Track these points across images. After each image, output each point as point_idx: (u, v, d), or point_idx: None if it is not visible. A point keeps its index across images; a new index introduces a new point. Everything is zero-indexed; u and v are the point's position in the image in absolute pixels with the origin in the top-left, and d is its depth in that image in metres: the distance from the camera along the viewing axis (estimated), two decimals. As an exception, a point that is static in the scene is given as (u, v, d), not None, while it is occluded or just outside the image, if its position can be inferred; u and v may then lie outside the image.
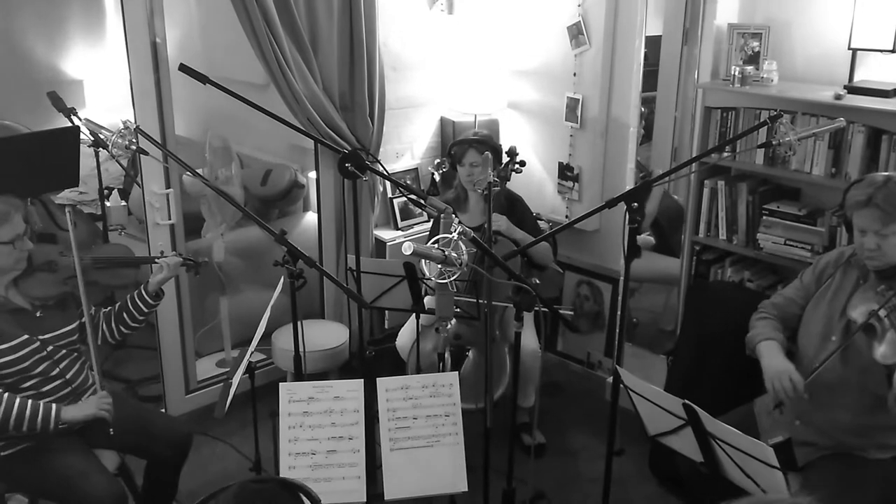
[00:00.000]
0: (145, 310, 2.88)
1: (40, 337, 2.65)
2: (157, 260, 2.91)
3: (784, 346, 2.66)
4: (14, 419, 2.51)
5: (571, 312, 3.56)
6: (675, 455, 2.47)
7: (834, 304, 2.60)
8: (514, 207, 3.62)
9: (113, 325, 2.87)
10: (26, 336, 2.61)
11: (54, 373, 2.68)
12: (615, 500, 2.86)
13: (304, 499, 1.48)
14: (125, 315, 2.86)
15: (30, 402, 2.55)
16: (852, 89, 3.12)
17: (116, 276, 2.79)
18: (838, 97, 3.06)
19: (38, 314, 2.68)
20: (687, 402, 2.22)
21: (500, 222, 3.44)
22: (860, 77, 3.22)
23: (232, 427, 3.72)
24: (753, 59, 3.44)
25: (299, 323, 2.76)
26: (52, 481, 2.61)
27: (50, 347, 2.67)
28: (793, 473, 2.50)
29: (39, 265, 2.72)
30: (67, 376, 2.72)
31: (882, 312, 2.36)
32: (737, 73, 3.33)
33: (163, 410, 3.82)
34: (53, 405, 2.58)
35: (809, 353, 2.63)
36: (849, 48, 3.17)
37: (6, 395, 2.52)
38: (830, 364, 2.53)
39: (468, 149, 3.54)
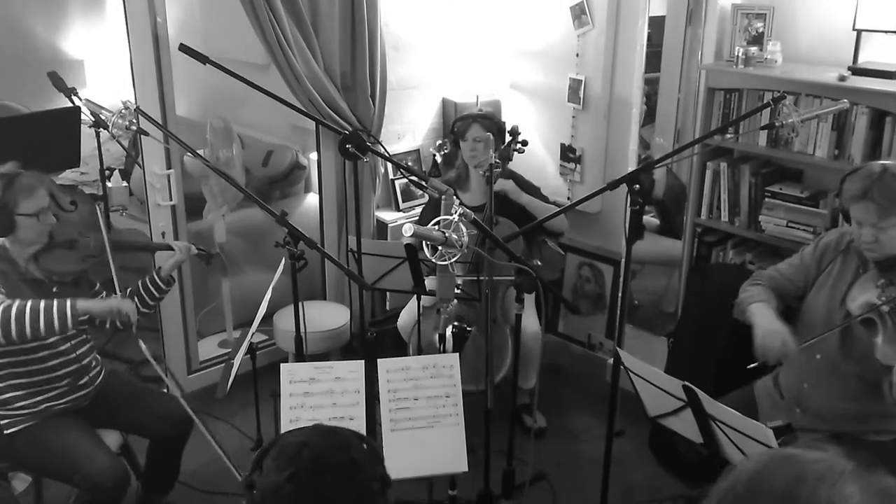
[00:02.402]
0: (157, 295, 2.89)
1: None
2: (171, 244, 2.93)
3: (778, 311, 2.58)
4: (29, 315, 2.43)
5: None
6: (674, 436, 2.48)
7: (834, 294, 2.58)
8: (516, 182, 3.61)
9: None
10: None
11: (64, 347, 2.70)
12: (615, 481, 2.87)
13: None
14: (136, 300, 2.87)
15: (42, 300, 2.49)
16: (856, 70, 3.10)
17: (132, 259, 2.82)
18: (842, 78, 3.05)
19: (54, 290, 2.70)
20: (687, 383, 2.23)
21: (506, 186, 3.43)
22: (865, 58, 3.20)
23: (234, 407, 3.73)
24: (757, 39, 3.41)
25: (300, 304, 2.77)
26: (54, 460, 2.63)
27: None
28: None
29: (60, 242, 2.74)
30: (77, 353, 2.74)
31: (884, 308, 2.34)
32: (740, 54, 3.31)
33: (165, 391, 3.84)
34: (68, 300, 2.50)
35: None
36: (853, 29, 3.15)
37: (16, 300, 2.48)
38: (830, 352, 2.53)
39: (472, 123, 3.52)
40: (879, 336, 2.33)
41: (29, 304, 2.45)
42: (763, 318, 2.52)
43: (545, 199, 3.65)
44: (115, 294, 2.78)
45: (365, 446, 1.50)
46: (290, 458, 1.42)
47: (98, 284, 2.91)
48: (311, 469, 1.40)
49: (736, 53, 3.33)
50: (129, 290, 2.88)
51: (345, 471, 1.42)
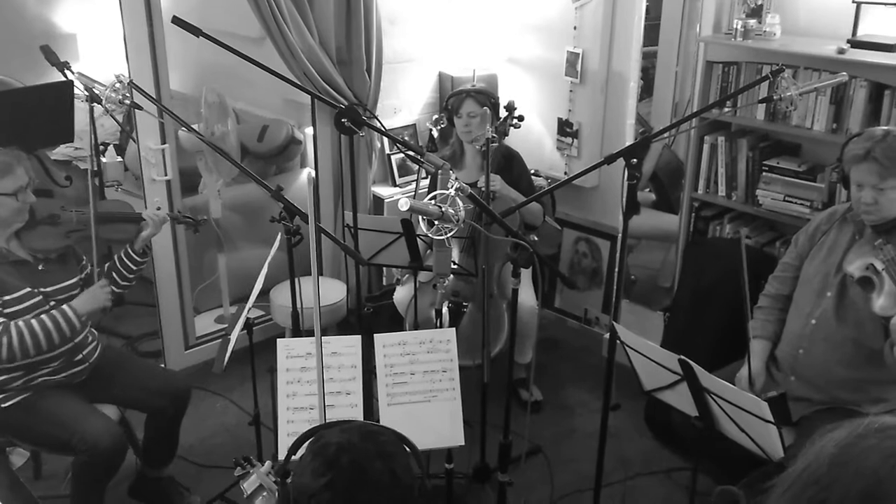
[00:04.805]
0: (133, 268, 2.88)
1: (42, 290, 2.66)
2: (143, 215, 2.89)
3: (772, 340, 2.77)
4: (44, 337, 2.57)
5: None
6: (670, 410, 2.49)
7: (829, 261, 2.61)
8: (511, 164, 3.59)
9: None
10: (29, 289, 2.62)
11: None
12: (610, 454, 2.89)
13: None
14: (114, 275, 2.86)
15: (44, 316, 2.60)
16: (856, 43, 3.08)
17: (118, 230, 2.81)
18: (841, 51, 3.03)
19: (39, 267, 2.69)
20: (683, 357, 2.23)
21: (494, 182, 3.40)
22: (864, 31, 3.17)
23: (231, 382, 3.75)
24: (756, 12, 3.38)
25: (297, 279, 2.76)
26: (50, 427, 2.64)
27: (52, 302, 2.68)
28: (787, 427, 2.52)
29: (42, 218, 2.73)
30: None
31: (879, 266, 2.36)
32: (739, 27, 3.28)
33: (162, 365, 3.85)
34: (65, 307, 2.64)
35: (805, 310, 2.65)
36: (853, 1, 3.12)
37: (20, 321, 2.55)
38: (825, 317, 2.56)
39: (465, 99, 3.49)
40: (875, 293, 2.35)
41: (37, 325, 2.56)
42: (753, 359, 2.67)
43: (534, 191, 3.61)
44: (91, 267, 2.82)
45: (408, 450, 1.47)
46: (329, 463, 1.38)
47: (85, 259, 2.89)
48: (349, 478, 1.37)
49: (735, 26, 3.31)
50: (106, 266, 2.87)
51: (383, 483, 1.38)
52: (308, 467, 1.40)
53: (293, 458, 1.54)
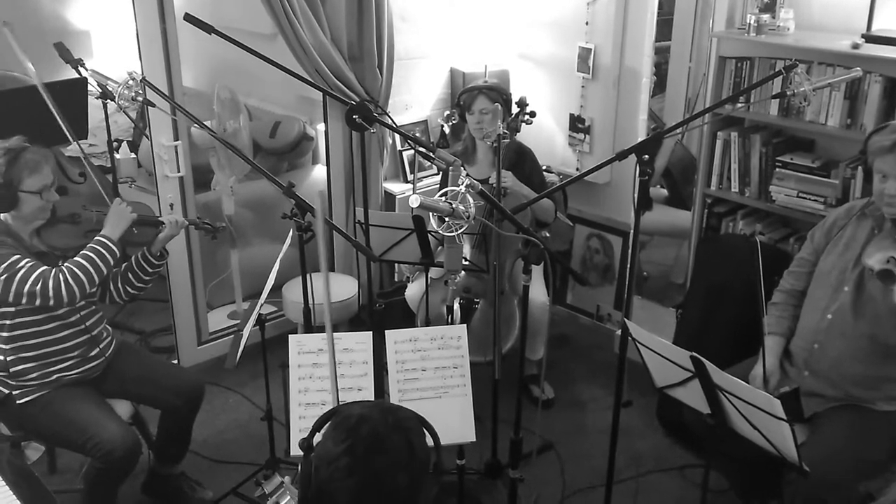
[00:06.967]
0: (150, 269, 2.90)
1: None
2: (162, 220, 2.92)
3: (786, 336, 2.75)
4: (93, 268, 2.59)
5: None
6: (681, 407, 2.49)
7: (847, 255, 2.59)
8: (523, 161, 3.58)
9: (120, 285, 2.90)
10: None
11: (73, 318, 2.71)
12: (622, 451, 2.89)
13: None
14: (131, 276, 2.88)
15: (84, 251, 2.62)
16: (870, 38, 3.05)
17: (139, 233, 2.83)
18: (855, 46, 3.00)
19: (59, 263, 2.71)
20: (695, 354, 2.23)
21: (506, 179, 3.40)
22: (879, 26, 3.15)
23: (243, 378, 3.77)
24: (770, 7, 3.36)
25: (308, 276, 2.77)
26: (65, 429, 2.66)
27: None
28: (799, 424, 2.51)
29: (62, 217, 2.75)
30: (87, 324, 2.75)
31: None
32: (752, 22, 3.26)
33: (175, 362, 3.87)
34: (99, 237, 2.66)
35: (821, 304, 2.64)
36: (868, -5, 3.10)
37: (67, 262, 2.58)
38: (842, 312, 2.56)
39: (478, 95, 3.49)
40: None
41: (76, 267, 2.56)
42: (768, 356, 2.66)
43: (546, 188, 3.60)
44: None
45: (425, 431, 1.50)
46: (349, 430, 1.42)
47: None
48: (367, 445, 1.41)
49: (748, 21, 3.29)
50: (123, 267, 2.89)
51: (401, 453, 1.42)
52: (329, 436, 1.45)
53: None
